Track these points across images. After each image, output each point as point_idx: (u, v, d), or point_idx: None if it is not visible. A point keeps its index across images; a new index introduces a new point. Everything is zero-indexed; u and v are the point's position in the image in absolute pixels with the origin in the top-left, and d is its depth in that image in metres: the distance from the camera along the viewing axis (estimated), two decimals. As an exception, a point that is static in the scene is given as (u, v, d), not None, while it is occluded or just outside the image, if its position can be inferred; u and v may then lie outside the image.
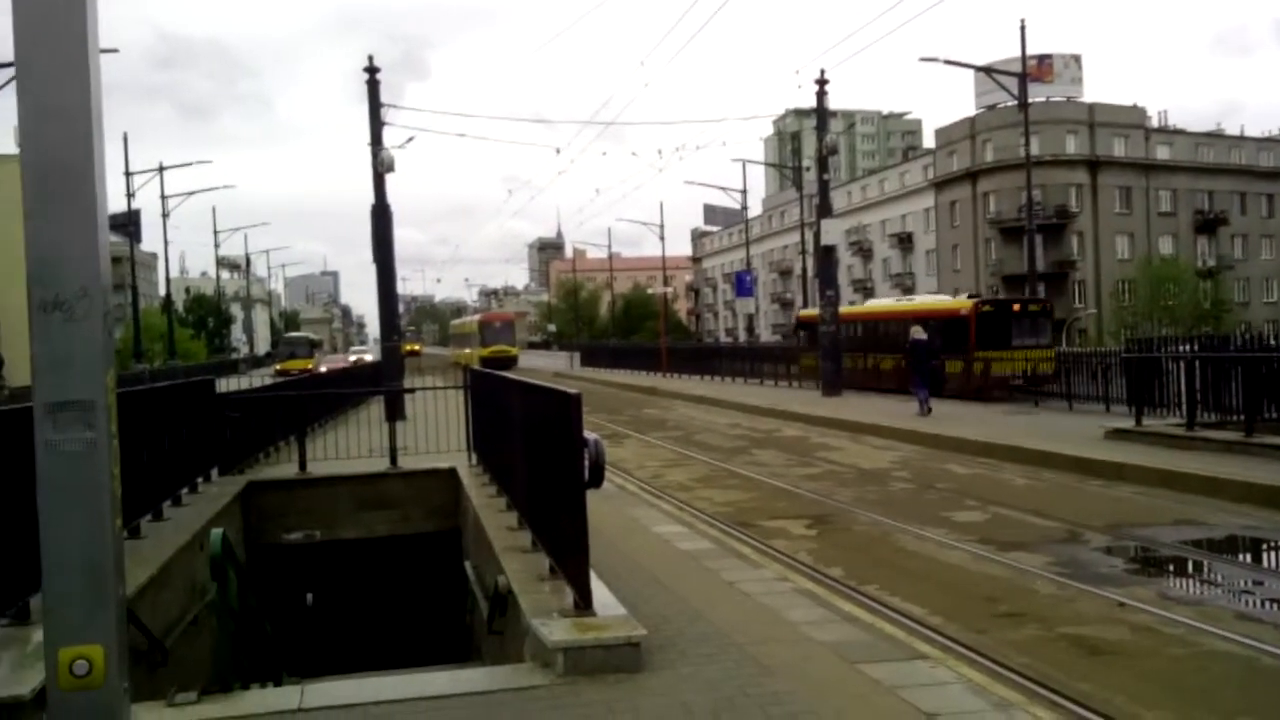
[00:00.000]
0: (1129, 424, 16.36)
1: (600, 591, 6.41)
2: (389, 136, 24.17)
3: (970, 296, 33.95)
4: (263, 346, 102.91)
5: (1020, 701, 5.26)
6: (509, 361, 57.82)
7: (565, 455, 6.03)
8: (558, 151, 49.31)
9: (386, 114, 24.47)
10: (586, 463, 5.89)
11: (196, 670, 8.27)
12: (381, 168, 23.91)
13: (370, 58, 24.17)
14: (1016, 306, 27.18)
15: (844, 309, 33.17)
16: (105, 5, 2.68)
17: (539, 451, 7.23)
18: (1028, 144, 31.87)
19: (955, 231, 71.85)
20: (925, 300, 36.00)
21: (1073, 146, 67.51)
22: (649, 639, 5.88)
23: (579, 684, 5.48)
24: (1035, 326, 25.90)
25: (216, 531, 5.62)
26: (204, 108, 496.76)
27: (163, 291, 71.65)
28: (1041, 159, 59.21)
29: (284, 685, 6.85)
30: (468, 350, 65.89)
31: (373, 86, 24.10)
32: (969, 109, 73.61)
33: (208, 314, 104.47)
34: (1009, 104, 61.54)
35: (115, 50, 28.93)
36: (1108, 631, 7.35)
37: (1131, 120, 70.69)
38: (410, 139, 25.48)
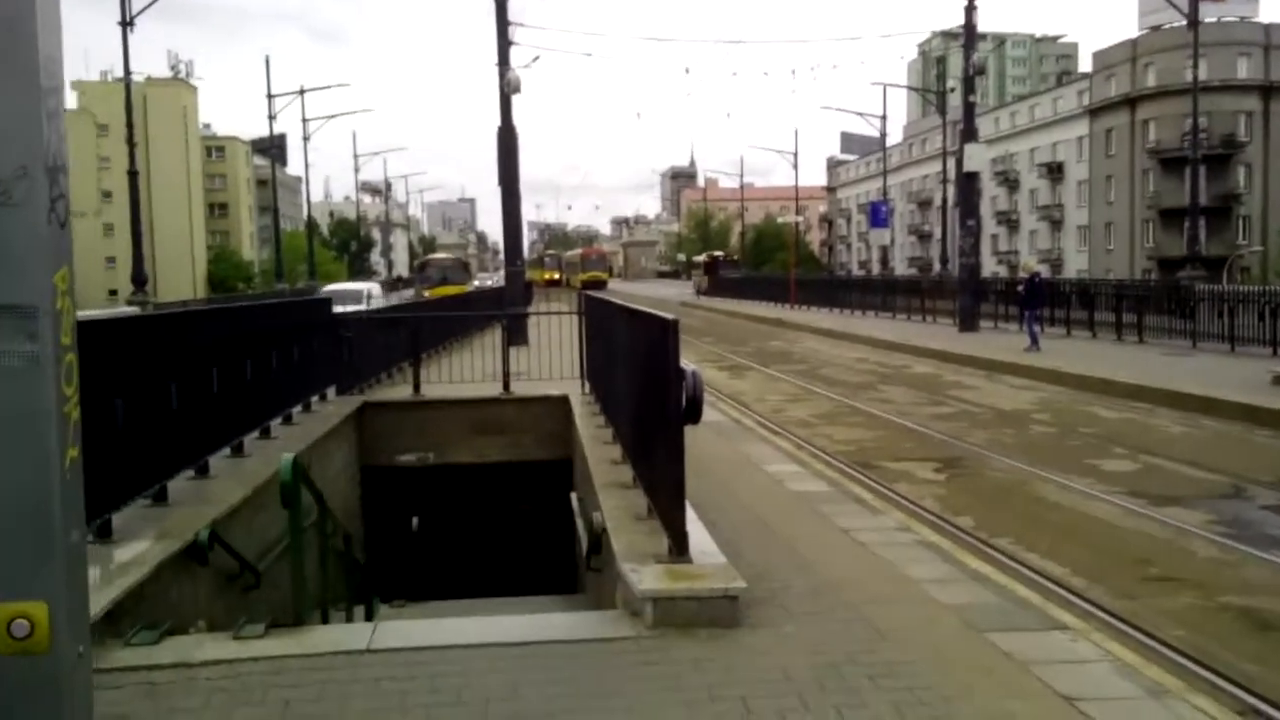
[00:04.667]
0: (1302, 370, 14.87)
1: (699, 535, 5.89)
2: (516, 57, 23.73)
3: (715, 255, 71.55)
4: (402, 270, 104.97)
5: (1177, 688, 4.52)
6: (601, 284, 73.48)
7: (661, 386, 5.47)
8: (687, 71, 49.05)
9: (514, 33, 24.00)
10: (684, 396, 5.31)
11: (291, 593, 8.14)
12: (508, 89, 23.46)
13: (500, -27, 23.54)
14: (724, 259, 68.75)
15: (700, 257, 75.18)
16: None
17: (639, 381, 6.71)
18: (1196, 65, 29.23)
19: (1110, 161, 67.69)
20: (703, 257, 72.72)
21: (1244, 70, 62.42)
22: (749, 591, 5.32)
23: (668, 638, 4.97)
24: (735, 268, 65.18)
25: (288, 456, 5.28)
26: (336, 32, 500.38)
27: (309, 214, 73.89)
28: (1210, 84, 54.77)
29: (364, 620, 6.64)
30: (573, 275, 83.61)
31: (500, 4, 23.59)
32: (1129, 32, 68.81)
33: (350, 237, 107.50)
34: (1175, 24, 57.12)
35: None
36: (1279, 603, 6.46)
37: (1314, 41, 64.85)
38: (536, 58, 25.77)
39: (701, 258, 74.37)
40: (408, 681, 4.60)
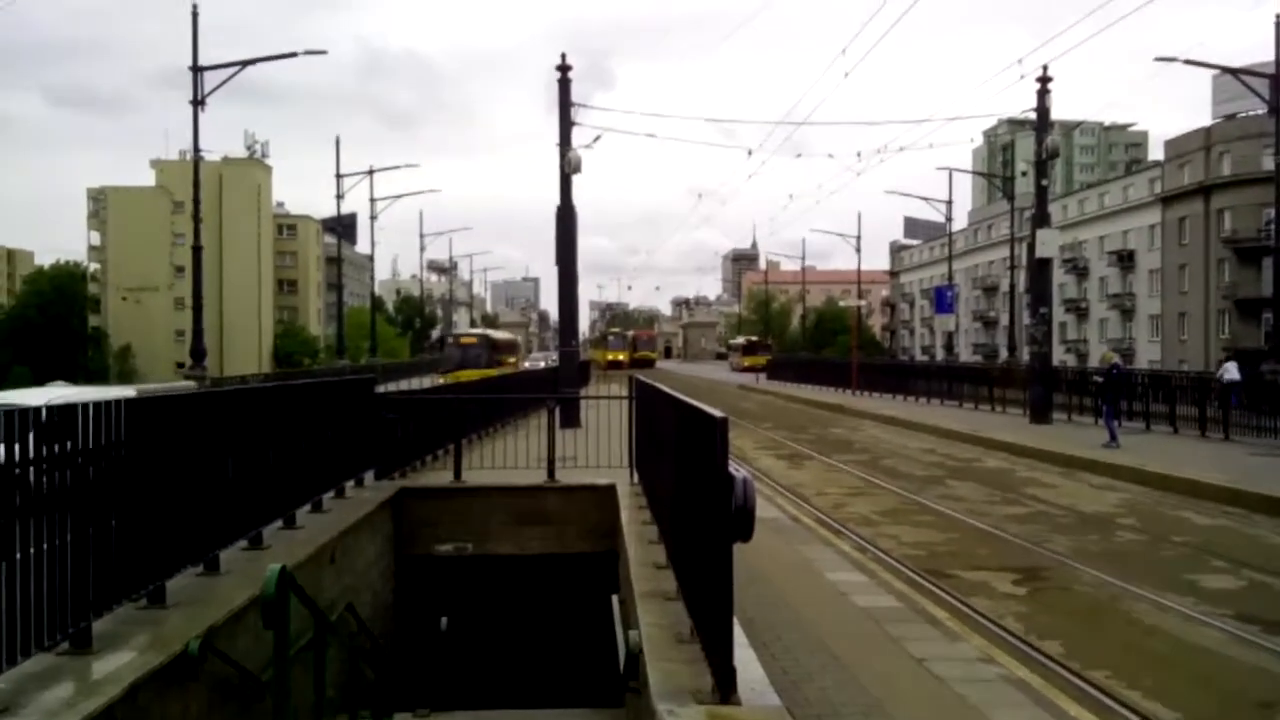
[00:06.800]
0: None
1: (748, 665, 5.08)
2: (578, 137, 23.61)
3: (751, 339, 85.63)
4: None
5: None
6: (649, 363, 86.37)
7: (707, 493, 4.73)
8: (749, 153, 48.97)
9: (576, 114, 23.89)
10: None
11: (301, 702, 7.39)
12: (569, 168, 23.32)
13: (563, 55, 23.47)
14: (754, 340, 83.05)
15: (738, 340, 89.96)
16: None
17: (683, 481, 5.96)
18: (1278, 151, 28.20)
19: (1184, 251, 65.98)
20: (741, 340, 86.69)
21: (1324, 158, 60.79)
22: (807, 743, 4.50)
23: (708, 802, 4.16)
24: (765, 349, 76.57)
25: (273, 568, 4.61)
26: (407, 117, 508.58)
27: (376, 291, 74.71)
28: (1289, 171, 53.24)
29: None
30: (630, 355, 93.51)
31: (564, 85, 23.52)
32: (1199, 121, 67.76)
33: (414, 314, 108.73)
34: (1249, 113, 56.03)
35: (324, 52, 29.74)
36: None
37: (1399, 129, 63.01)
38: (597, 138, 24.74)
39: (740, 340, 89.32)
40: None
